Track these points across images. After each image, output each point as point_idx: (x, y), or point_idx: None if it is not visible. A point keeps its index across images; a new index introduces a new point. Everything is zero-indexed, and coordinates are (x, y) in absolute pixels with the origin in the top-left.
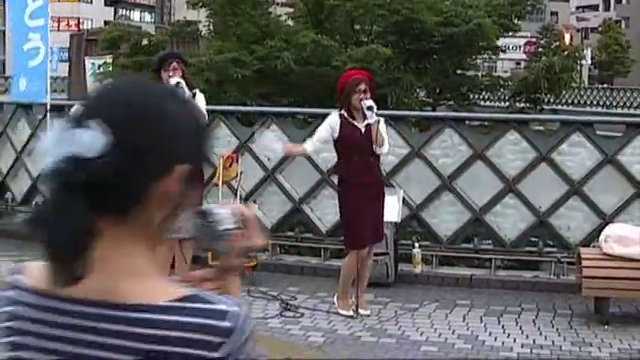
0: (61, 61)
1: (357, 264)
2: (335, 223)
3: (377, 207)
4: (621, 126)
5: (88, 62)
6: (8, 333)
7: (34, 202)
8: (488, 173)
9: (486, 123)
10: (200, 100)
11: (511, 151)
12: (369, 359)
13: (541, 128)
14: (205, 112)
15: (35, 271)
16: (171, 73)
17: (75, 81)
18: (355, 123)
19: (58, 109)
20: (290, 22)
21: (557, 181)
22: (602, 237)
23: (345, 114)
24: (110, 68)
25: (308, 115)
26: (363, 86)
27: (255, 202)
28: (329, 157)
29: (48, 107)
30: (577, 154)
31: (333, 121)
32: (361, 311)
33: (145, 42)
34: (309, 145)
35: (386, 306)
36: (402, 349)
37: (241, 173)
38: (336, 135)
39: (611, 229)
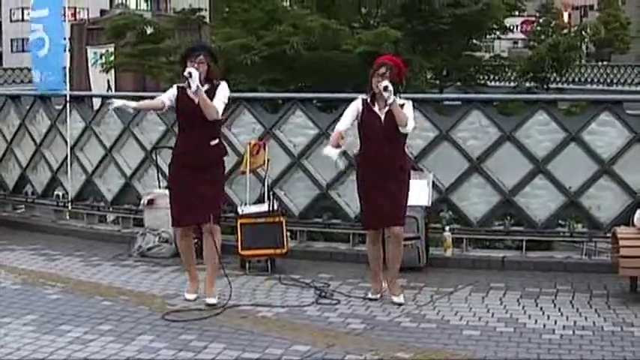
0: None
1: (370, 244)
2: None
3: (387, 192)
4: None
5: (90, 52)
6: None
7: (54, 195)
8: (517, 154)
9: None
10: (221, 90)
11: (540, 132)
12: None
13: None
14: (222, 103)
15: None
16: (196, 65)
17: (77, 71)
18: (376, 110)
19: (77, 100)
20: (294, 7)
21: (586, 160)
22: (637, 216)
23: (368, 99)
24: (112, 57)
25: (331, 100)
26: (382, 70)
27: (282, 189)
28: (355, 142)
29: (67, 98)
30: (606, 134)
31: (357, 104)
32: (394, 299)
33: (149, 30)
34: (340, 125)
35: (421, 290)
36: (444, 333)
37: (268, 160)
38: (357, 120)
39: None
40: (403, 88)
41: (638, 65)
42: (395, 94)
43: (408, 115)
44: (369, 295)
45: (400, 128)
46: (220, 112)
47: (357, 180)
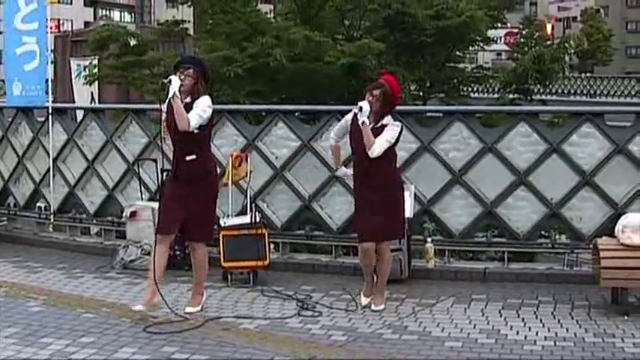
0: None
1: (361, 255)
2: (345, 220)
3: (379, 206)
4: (630, 115)
5: (74, 64)
6: None
7: (37, 207)
8: (499, 166)
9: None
10: (200, 104)
11: (521, 144)
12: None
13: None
14: (197, 115)
15: None
16: (182, 77)
17: (60, 82)
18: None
19: (60, 112)
20: (277, 19)
21: (568, 172)
22: (618, 227)
23: (358, 114)
24: (96, 69)
25: (314, 112)
26: (376, 92)
27: (264, 201)
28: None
29: (50, 110)
30: (587, 145)
31: (347, 118)
32: (373, 307)
33: (133, 42)
34: (332, 140)
35: (403, 302)
36: (426, 345)
37: (251, 172)
38: (347, 132)
39: (628, 220)
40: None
41: (620, 77)
42: (384, 116)
43: (375, 140)
44: (362, 303)
45: (367, 150)
46: (194, 125)
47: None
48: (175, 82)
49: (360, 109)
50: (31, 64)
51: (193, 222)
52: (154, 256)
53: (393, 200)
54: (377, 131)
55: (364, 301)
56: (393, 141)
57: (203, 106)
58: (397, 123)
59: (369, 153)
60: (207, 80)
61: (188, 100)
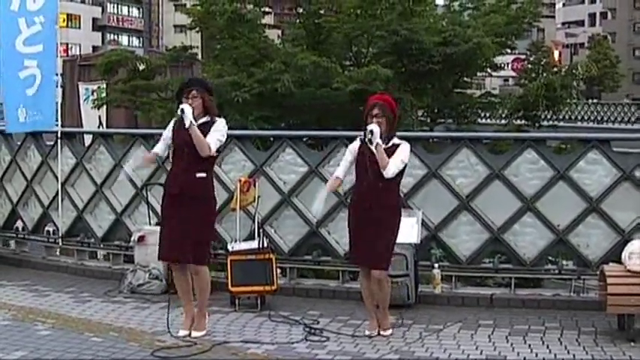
0: None
1: (361, 279)
2: None
3: (373, 232)
4: (637, 142)
5: (82, 88)
6: None
7: (45, 231)
8: (506, 192)
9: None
10: (218, 126)
11: (529, 170)
12: None
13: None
14: (216, 140)
15: None
16: (190, 101)
17: (68, 107)
18: (372, 148)
19: (69, 136)
20: (285, 45)
21: (574, 198)
22: (625, 254)
23: (365, 139)
24: (104, 94)
25: (321, 138)
26: (375, 110)
27: (272, 226)
28: (345, 180)
29: (59, 135)
30: (594, 172)
31: (353, 146)
32: (380, 332)
33: (141, 67)
34: (339, 172)
35: (410, 327)
36: None
37: (259, 197)
38: (353, 158)
39: (634, 246)
40: (397, 123)
41: (628, 103)
42: (393, 136)
43: (389, 160)
44: (366, 332)
45: (382, 170)
46: (214, 150)
47: (347, 216)
48: (188, 110)
49: (372, 132)
50: (32, 89)
51: (196, 244)
52: (175, 284)
53: (389, 231)
54: (389, 151)
55: (388, 330)
56: (406, 161)
57: (222, 131)
58: (404, 141)
59: (385, 173)
60: (212, 94)
61: (203, 119)
